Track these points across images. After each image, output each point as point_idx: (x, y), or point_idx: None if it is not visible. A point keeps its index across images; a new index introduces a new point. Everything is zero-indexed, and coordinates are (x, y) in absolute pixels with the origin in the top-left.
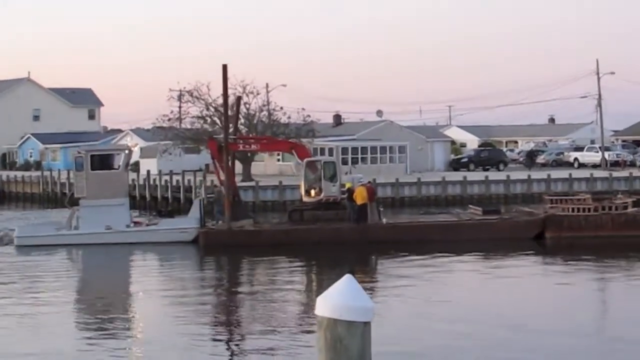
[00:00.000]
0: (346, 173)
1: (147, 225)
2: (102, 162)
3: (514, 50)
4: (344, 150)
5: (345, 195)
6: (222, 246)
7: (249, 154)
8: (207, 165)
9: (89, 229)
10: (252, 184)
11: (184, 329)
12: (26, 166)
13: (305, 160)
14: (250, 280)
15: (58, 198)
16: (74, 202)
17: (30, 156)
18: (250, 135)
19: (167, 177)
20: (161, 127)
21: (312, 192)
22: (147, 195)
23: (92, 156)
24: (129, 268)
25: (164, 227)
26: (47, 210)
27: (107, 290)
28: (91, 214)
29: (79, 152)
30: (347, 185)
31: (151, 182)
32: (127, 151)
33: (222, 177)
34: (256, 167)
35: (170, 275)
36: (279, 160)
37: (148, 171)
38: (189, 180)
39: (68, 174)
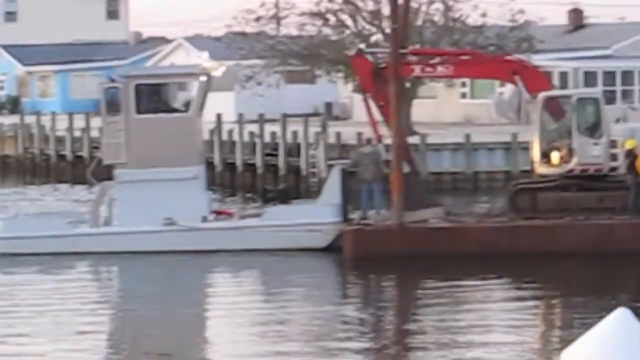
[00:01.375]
0: (617, 120)
1: (242, 218)
2: (157, 98)
3: None
4: (589, 77)
5: (620, 163)
6: (387, 258)
7: (408, 86)
8: (328, 106)
9: (131, 224)
10: (414, 140)
11: None
12: None
13: (543, 95)
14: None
15: (52, 167)
16: (101, 175)
17: (0, 88)
18: (434, 50)
19: (256, 127)
20: (242, 34)
21: (556, 156)
22: (217, 160)
23: (138, 87)
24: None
25: (274, 221)
26: (30, 188)
27: None
28: (136, 197)
29: (112, 80)
30: (627, 145)
31: (223, 135)
32: (202, 78)
33: (381, 130)
34: (420, 109)
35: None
36: (463, 96)
37: (218, 116)
38: (294, 135)
39: (70, 121)
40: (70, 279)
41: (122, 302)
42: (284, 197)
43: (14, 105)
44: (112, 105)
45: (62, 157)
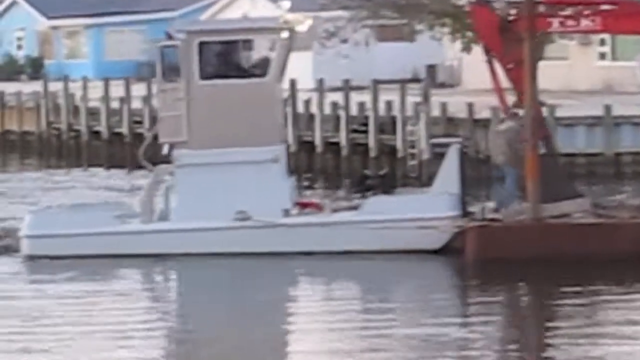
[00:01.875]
0: None
1: (335, 212)
2: (227, 59)
3: None
4: None
5: None
6: (521, 261)
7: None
8: (431, 69)
9: (193, 218)
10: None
11: None
12: (8, 69)
13: None
14: None
15: (83, 146)
16: (154, 158)
17: (18, 47)
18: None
19: (339, 97)
20: None
21: None
22: (290, 138)
23: (202, 45)
24: None
25: (375, 216)
26: (55, 173)
27: None
28: (200, 185)
29: (169, 37)
30: None
31: (299, 106)
32: (283, 34)
33: (508, 98)
34: (548, 74)
35: None
36: (602, 57)
37: (292, 82)
38: (388, 106)
39: (106, 88)
40: (117, 291)
41: (185, 322)
42: (386, 185)
43: (35, 68)
44: (170, 69)
45: (95, 134)
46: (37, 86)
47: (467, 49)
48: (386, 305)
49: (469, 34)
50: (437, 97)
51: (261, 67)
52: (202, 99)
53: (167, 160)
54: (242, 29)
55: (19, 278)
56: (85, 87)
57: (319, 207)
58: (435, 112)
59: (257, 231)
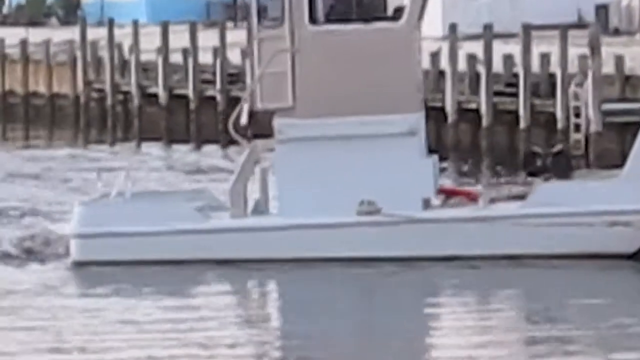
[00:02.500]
0: None
1: (493, 202)
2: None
3: None
4: None
5: None
6: None
7: None
8: (601, 11)
9: (301, 211)
10: None
11: None
12: (32, 10)
13: None
14: None
15: (133, 114)
16: (248, 130)
17: None
18: None
19: (478, 48)
20: None
21: None
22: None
23: None
24: None
25: (550, 209)
26: (97, 149)
27: None
28: (310, 166)
29: None
30: None
31: (423, 61)
32: None
33: None
34: None
35: None
36: None
37: None
38: (543, 60)
39: (164, 37)
40: (203, 316)
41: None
42: (562, 168)
43: (68, 9)
44: (268, 11)
45: (150, 97)
46: (71, 33)
47: None
48: (562, 333)
49: None
50: (610, 48)
51: (393, 10)
52: (313, 50)
53: (265, 134)
54: None
55: (65, 293)
56: (136, 35)
57: (471, 197)
58: (608, 68)
59: (388, 229)
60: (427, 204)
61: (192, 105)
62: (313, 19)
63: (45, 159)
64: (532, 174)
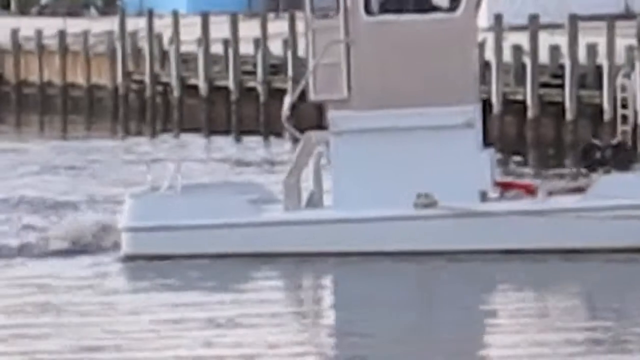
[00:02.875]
0: None
1: (551, 195)
2: None
3: None
4: None
5: None
6: None
7: None
8: None
9: (357, 204)
10: None
11: None
12: (71, 0)
13: None
14: None
15: (173, 105)
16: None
17: None
18: None
19: (524, 38)
20: None
21: None
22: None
23: None
24: None
25: (608, 201)
26: (135, 141)
27: None
28: (365, 158)
29: None
30: None
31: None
32: None
33: None
34: None
35: None
36: None
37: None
38: (590, 51)
39: (205, 27)
40: (254, 312)
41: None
42: (622, 160)
43: (107, 1)
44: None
45: (190, 89)
46: (110, 24)
47: None
48: (624, 329)
49: None
50: None
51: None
52: (369, 41)
53: (318, 126)
54: None
55: (116, 288)
56: (176, 25)
57: (528, 189)
58: None
59: (445, 222)
60: (483, 197)
61: (233, 97)
62: (368, 10)
63: (84, 149)
64: (590, 166)
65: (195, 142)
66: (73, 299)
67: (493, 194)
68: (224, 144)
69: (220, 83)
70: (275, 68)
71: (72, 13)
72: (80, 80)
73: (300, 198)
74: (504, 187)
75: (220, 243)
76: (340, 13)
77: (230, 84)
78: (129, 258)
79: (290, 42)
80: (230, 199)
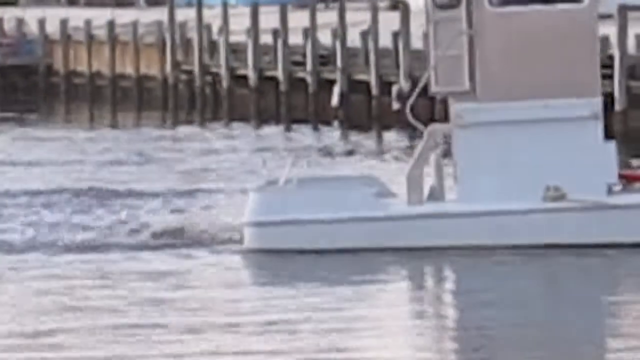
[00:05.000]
0: None
1: None
2: None
3: None
4: None
5: None
6: None
7: None
8: None
9: (483, 198)
10: None
11: None
12: None
13: None
14: None
15: (222, 96)
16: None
17: None
18: None
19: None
20: None
21: None
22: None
23: None
24: None
25: None
26: (186, 130)
27: None
28: (492, 152)
29: None
30: None
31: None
32: None
33: None
34: None
35: None
36: None
37: None
38: (638, 41)
39: (254, 18)
40: (375, 304)
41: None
42: None
43: None
44: None
45: (239, 79)
46: (159, 14)
47: None
48: None
49: None
50: None
51: None
52: (493, 32)
53: (440, 118)
54: None
55: (243, 284)
56: (225, 16)
57: None
58: None
59: (575, 215)
60: (610, 190)
61: (282, 87)
62: (492, 1)
63: (155, 137)
64: None
65: (250, 132)
66: (196, 295)
67: (617, 186)
68: (303, 135)
69: (269, 73)
70: (325, 58)
71: (121, 3)
72: (130, 70)
73: (424, 192)
74: (630, 179)
75: (346, 238)
76: (462, 4)
77: (280, 74)
78: (254, 252)
79: (340, 32)
80: (356, 193)
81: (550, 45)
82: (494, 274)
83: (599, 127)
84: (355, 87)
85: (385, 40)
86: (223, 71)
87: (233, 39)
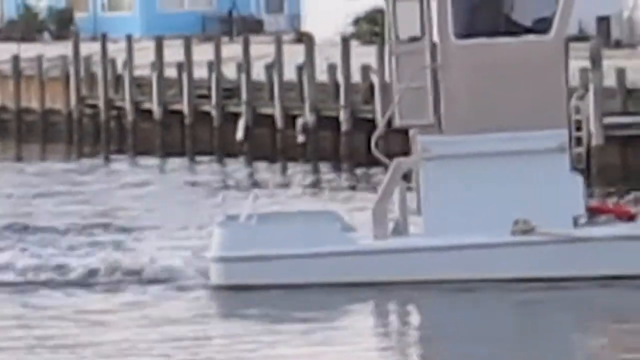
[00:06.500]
0: None
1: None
2: (491, 8)
3: None
4: None
5: None
6: None
7: None
8: (602, 23)
9: (449, 231)
10: None
11: None
12: (25, 25)
13: None
14: None
15: (127, 129)
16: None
17: None
18: None
19: None
20: None
21: None
22: None
23: None
24: None
25: None
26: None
27: None
28: (457, 184)
29: None
30: None
31: None
32: None
33: None
34: None
35: None
36: None
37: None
38: None
39: (159, 51)
40: (341, 341)
41: None
42: None
43: (61, 24)
44: (406, 24)
45: (144, 113)
46: (64, 48)
47: None
48: None
49: None
50: (612, 61)
51: (538, 21)
52: (458, 64)
53: (403, 152)
54: None
55: (208, 321)
56: (130, 50)
57: (624, 214)
58: (610, 81)
59: (544, 248)
60: (576, 222)
61: (187, 121)
62: (458, 33)
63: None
64: None
65: (153, 164)
66: (161, 330)
67: (583, 219)
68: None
69: (174, 107)
70: (229, 92)
71: (26, 37)
72: (35, 104)
73: (388, 225)
74: (596, 211)
75: (314, 272)
76: (425, 37)
77: (185, 107)
78: (220, 289)
79: (244, 66)
80: (322, 228)
81: (516, 77)
82: (462, 308)
83: (565, 159)
84: (260, 120)
85: (290, 74)
86: (128, 105)
87: (138, 72)
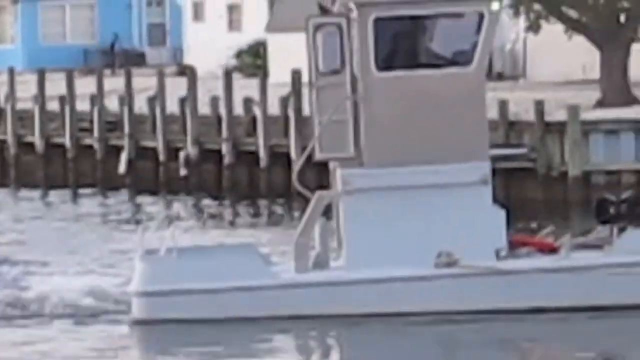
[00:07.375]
0: None
1: (574, 251)
2: (413, 42)
3: None
4: None
5: None
6: None
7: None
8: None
9: (371, 264)
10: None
11: None
12: None
13: None
14: None
15: (9, 163)
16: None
17: None
18: None
19: None
20: None
21: None
22: None
23: (378, 23)
24: None
25: (635, 257)
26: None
27: None
28: (379, 217)
29: (323, 10)
30: None
31: None
32: (492, 7)
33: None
34: None
35: None
36: None
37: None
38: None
39: (41, 84)
40: None
41: None
42: (637, 214)
43: None
44: (327, 56)
45: (26, 146)
46: None
47: (533, 27)
48: None
49: (537, 6)
50: (494, 93)
51: (459, 54)
52: (379, 97)
53: (323, 185)
54: (436, 2)
55: (129, 355)
56: (12, 82)
57: (542, 246)
58: (492, 112)
59: (466, 281)
60: (499, 255)
61: (69, 154)
62: (380, 66)
63: None
64: (605, 222)
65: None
66: None
67: (503, 252)
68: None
69: (56, 140)
70: (112, 124)
71: None
72: None
73: (309, 258)
74: (518, 244)
75: (235, 306)
76: (346, 69)
77: (67, 140)
78: (140, 323)
79: (127, 98)
80: (243, 262)
81: (438, 110)
82: (384, 342)
83: (487, 192)
84: (143, 153)
85: (173, 106)
86: (10, 138)
87: (20, 105)
